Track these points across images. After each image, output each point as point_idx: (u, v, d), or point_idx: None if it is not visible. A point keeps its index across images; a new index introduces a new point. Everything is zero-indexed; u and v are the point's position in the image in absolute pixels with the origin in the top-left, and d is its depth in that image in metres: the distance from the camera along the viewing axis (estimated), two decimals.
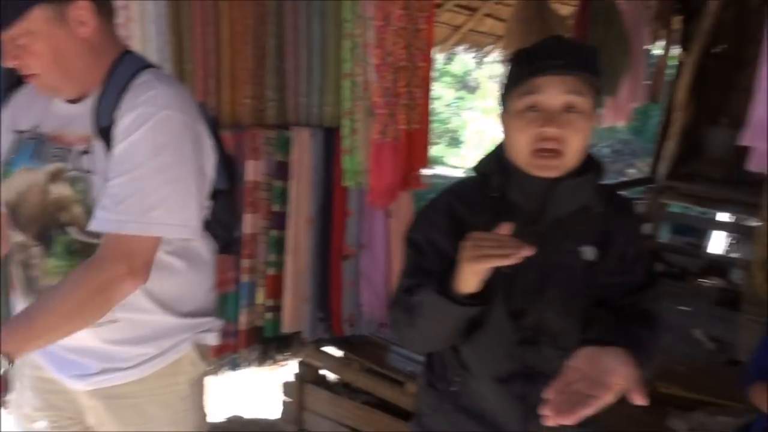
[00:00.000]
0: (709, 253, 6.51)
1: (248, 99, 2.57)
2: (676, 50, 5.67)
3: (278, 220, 2.73)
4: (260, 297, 2.77)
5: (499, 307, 1.24)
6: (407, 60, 2.56)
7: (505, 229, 1.05)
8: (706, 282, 5.51)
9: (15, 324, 1.18)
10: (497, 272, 1.20)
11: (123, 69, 1.31)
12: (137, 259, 1.23)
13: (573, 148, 1.18)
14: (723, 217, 7.13)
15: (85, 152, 1.30)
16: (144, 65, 1.34)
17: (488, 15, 5.17)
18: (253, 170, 2.58)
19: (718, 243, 7.46)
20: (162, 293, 1.38)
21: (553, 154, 1.16)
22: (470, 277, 1.08)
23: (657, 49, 5.44)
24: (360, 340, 3.15)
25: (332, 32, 2.63)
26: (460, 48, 5.58)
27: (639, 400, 0.99)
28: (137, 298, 1.32)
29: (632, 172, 11.81)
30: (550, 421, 0.96)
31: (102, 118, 1.27)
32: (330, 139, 2.74)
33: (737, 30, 5.33)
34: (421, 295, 1.17)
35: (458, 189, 1.34)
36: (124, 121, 1.25)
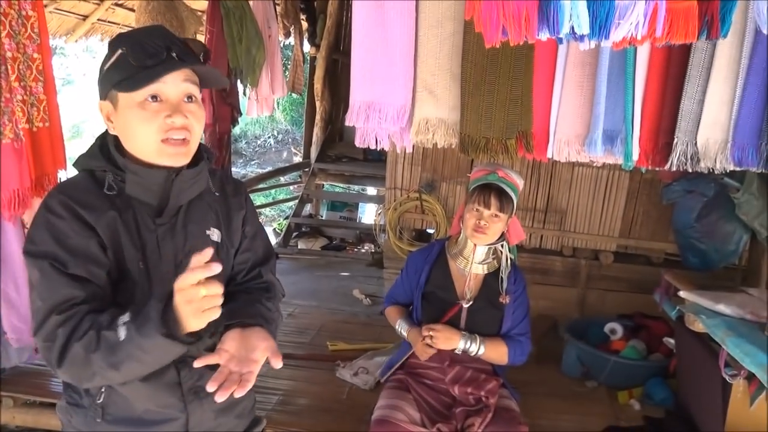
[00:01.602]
0: (362, 224, 7.49)
1: None
2: (309, 46, 6.32)
3: None
4: None
5: (142, 302, 1.15)
6: (16, 51, 2.28)
7: (207, 253, 1.01)
8: (362, 249, 6.38)
9: None
10: (129, 267, 1.19)
11: None
12: None
13: (196, 137, 1.21)
14: (371, 191, 8.28)
15: None
16: None
17: (118, 5, 4.92)
18: None
19: (369, 214, 8.64)
20: None
21: (183, 142, 1.18)
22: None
23: (291, 44, 5.94)
24: (11, 372, 2.74)
25: None
26: (95, 39, 5.18)
27: (277, 364, 1.13)
28: None
29: (297, 159, 12.76)
30: (219, 397, 1.03)
31: None
32: None
33: None
34: (133, 335, 1.05)
35: (68, 189, 1.21)
36: None
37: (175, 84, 1.17)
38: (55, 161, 2.56)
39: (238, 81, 3.90)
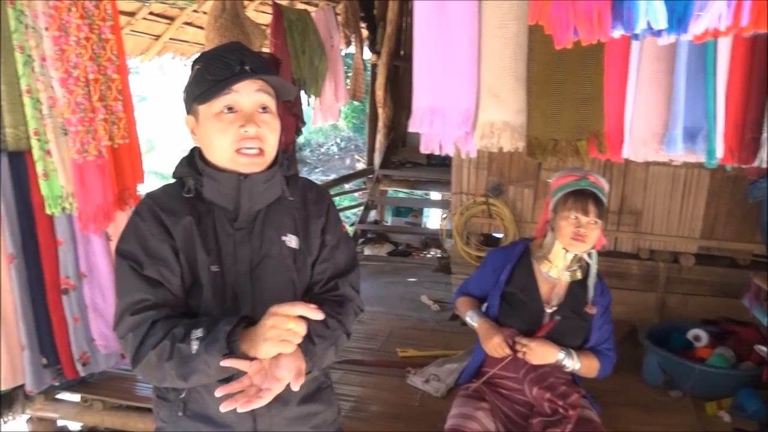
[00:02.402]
0: (427, 229, 7.46)
1: None
2: (369, 54, 6.37)
3: None
4: None
5: (211, 305, 1.24)
6: (98, 72, 2.42)
7: (305, 305, 1.07)
8: (428, 254, 6.35)
9: None
10: (200, 271, 1.22)
11: None
12: None
13: (270, 146, 1.25)
14: (435, 195, 8.25)
15: None
16: None
17: (188, 24, 5.13)
18: None
19: (434, 219, 8.60)
20: None
21: (258, 152, 1.23)
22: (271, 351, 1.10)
23: (351, 53, 6.01)
24: (100, 377, 2.90)
25: None
26: (167, 57, 5.43)
27: (295, 386, 1.10)
28: None
29: (360, 166, 12.91)
30: (224, 408, 1.05)
31: None
32: (20, 165, 2.44)
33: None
34: (202, 351, 1.11)
35: (157, 194, 1.31)
36: None
37: (249, 95, 1.21)
38: (135, 176, 2.69)
39: (302, 91, 3.98)
